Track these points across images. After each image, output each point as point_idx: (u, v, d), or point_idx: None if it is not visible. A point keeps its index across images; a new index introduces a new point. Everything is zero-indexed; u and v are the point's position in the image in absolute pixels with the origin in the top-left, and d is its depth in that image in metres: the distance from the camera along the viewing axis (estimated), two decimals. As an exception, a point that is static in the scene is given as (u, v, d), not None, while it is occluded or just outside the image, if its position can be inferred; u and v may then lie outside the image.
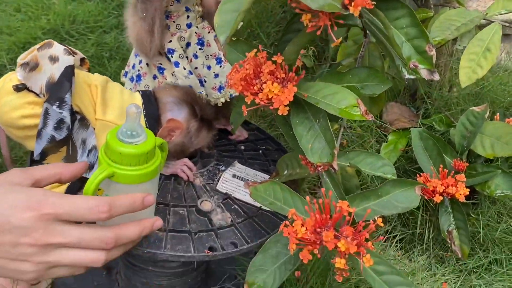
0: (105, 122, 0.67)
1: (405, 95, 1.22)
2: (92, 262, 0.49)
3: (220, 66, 0.82)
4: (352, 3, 0.51)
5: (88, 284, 0.82)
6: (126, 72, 0.86)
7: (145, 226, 0.53)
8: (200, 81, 0.82)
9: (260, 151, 0.86)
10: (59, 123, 0.64)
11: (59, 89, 0.63)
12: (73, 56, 0.67)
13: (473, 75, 0.93)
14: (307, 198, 0.57)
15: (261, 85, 0.58)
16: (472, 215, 0.94)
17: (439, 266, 0.90)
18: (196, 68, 0.81)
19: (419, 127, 1.00)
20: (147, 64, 0.81)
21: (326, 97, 0.59)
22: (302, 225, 0.53)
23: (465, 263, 0.91)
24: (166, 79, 0.79)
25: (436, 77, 0.62)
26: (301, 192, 0.85)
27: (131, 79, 0.83)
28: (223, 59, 0.82)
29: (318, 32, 0.54)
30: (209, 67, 0.81)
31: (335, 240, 0.52)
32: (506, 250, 0.91)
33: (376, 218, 0.54)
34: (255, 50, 0.60)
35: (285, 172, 0.71)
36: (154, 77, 0.81)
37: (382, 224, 0.54)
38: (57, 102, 0.63)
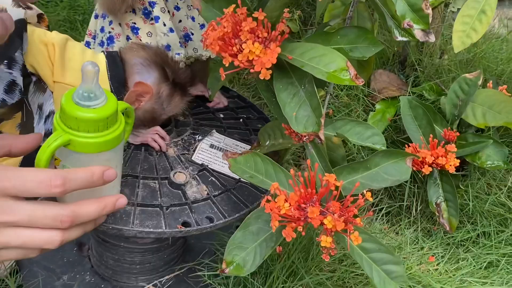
0: (64, 85, 0.60)
1: (394, 62, 1.18)
2: (45, 243, 0.44)
3: None
4: None
5: (57, 260, 0.77)
6: (88, 42, 0.78)
7: (106, 204, 0.47)
8: (187, 35, 0.76)
9: (241, 120, 0.80)
10: (10, 85, 0.57)
11: (8, 47, 0.56)
12: (25, 9, 0.59)
13: (467, 40, 0.89)
14: (291, 171, 0.52)
15: (241, 45, 0.53)
16: (461, 187, 0.91)
17: (426, 239, 0.88)
18: (180, 21, 0.75)
19: (408, 96, 0.96)
20: (120, 24, 0.73)
21: (312, 59, 0.55)
22: (286, 200, 0.49)
23: (452, 236, 0.89)
24: (140, 40, 0.72)
25: (432, 38, 0.58)
26: (284, 164, 0.81)
27: (101, 44, 0.76)
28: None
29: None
30: (193, 18, 0.76)
31: (320, 216, 0.48)
32: (495, 222, 0.89)
33: (364, 192, 0.50)
34: (233, 6, 0.54)
35: (267, 142, 0.67)
36: (128, 38, 0.74)
37: (371, 199, 0.50)
38: (6, 61, 0.56)
